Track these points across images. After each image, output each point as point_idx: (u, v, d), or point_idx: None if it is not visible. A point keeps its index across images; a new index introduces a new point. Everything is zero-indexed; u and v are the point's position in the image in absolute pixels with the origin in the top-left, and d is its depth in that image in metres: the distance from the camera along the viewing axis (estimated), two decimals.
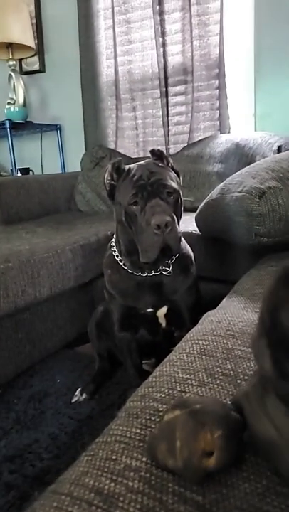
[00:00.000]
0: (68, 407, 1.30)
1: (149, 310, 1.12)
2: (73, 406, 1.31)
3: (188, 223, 1.46)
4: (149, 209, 0.96)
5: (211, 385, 0.45)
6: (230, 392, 0.43)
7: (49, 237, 1.60)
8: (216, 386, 0.45)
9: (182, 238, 1.16)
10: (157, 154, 1.08)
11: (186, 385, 0.45)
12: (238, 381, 0.45)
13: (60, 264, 1.44)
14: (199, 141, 2.29)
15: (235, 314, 0.64)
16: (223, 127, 2.36)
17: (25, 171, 2.94)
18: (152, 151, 1.08)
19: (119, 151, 2.68)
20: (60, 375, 1.51)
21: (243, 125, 2.41)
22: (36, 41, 2.96)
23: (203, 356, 0.51)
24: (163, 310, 1.13)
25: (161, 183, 0.99)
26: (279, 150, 1.95)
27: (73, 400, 1.33)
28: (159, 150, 1.08)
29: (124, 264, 1.12)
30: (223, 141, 2.12)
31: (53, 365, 1.58)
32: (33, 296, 1.34)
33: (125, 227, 1.04)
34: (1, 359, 1.37)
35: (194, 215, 1.39)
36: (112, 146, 2.74)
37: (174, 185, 1.02)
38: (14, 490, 0.97)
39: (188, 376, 0.47)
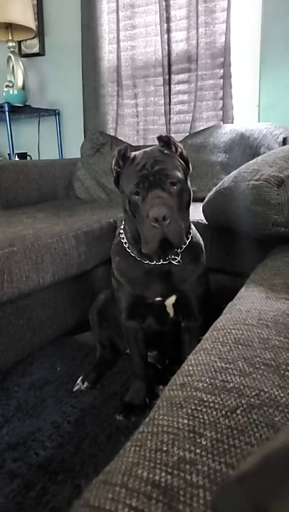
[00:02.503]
0: (70, 395, 1.28)
1: (158, 299, 1.10)
2: (75, 395, 1.29)
3: (192, 213, 1.44)
4: (149, 200, 0.93)
5: (253, 375, 0.43)
6: (275, 383, 0.41)
7: (51, 222, 1.57)
8: (259, 376, 0.43)
9: (192, 226, 1.15)
10: (164, 141, 1.03)
11: (227, 375, 0.44)
12: (282, 372, 0.43)
13: (63, 250, 1.40)
14: (203, 130, 2.26)
15: (263, 304, 0.62)
16: (226, 117, 2.34)
17: (23, 155, 2.88)
18: (160, 138, 1.04)
19: (120, 138, 2.64)
20: (60, 363, 1.48)
21: (247, 116, 2.38)
22: (37, 23, 2.88)
23: (239, 346, 0.49)
24: (172, 299, 1.11)
25: (164, 172, 0.96)
26: (284, 142, 1.94)
27: (75, 389, 1.31)
28: (166, 136, 1.04)
29: (132, 252, 1.10)
30: (227, 131, 2.09)
31: (53, 353, 1.56)
32: (37, 282, 1.30)
33: (130, 215, 1.02)
34: (2, 345, 1.34)
35: (198, 204, 1.37)
36: (111, 133, 2.69)
37: (179, 174, 0.98)
38: (19, 478, 0.95)
39: (227, 365, 0.45)
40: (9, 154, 2.79)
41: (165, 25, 2.42)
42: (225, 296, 1.28)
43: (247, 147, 1.99)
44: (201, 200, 1.40)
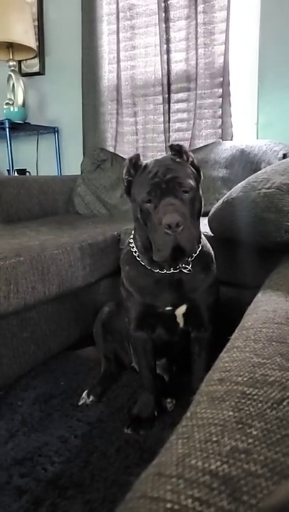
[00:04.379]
0: (75, 409, 1.25)
1: (168, 308, 1.09)
2: (81, 408, 1.25)
3: None
4: (161, 208, 0.94)
5: None
6: None
7: (56, 234, 1.56)
8: None
9: (203, 236, 1.15)
10: (176, 149, 1.04)
11: (266, 369, 0.43)
12: None
13: (69, 261, 1.40)
14: (203, 146, 2.30)
15: (288, 304, 0.62)
16: (225, 135, 2.38)
17: (22, 172, 2.89)
18: (171, 146, 1.05)
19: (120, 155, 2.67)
20: (64, 377, 1.45)
21: (245, 134, 2.43)
22: (37, 43, 2.94)
23: (273, 343, 0.49)
24: (182, 309, 1.10)
25: (177, 180, 0.96)
26: (284, 157, 1.97)
27: (80, 403, 1.28)
28: (178, 145, 1.05)
29: (142, 261, 1.09)
30: (227, 148, 2.13)
31: (56, 367, 1.52)
32: (42, 294, 1.29)
33: (141, 224, 1.02)
34: (6, 358, 1.31)
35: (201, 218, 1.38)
36: (111, 150, 2.72)
37: (191, 182, 0.99)
38: (27, 494, 0.91)
39: (264, 361, 0.45)
40: (8, 171, 2.80)
41: (165, 46, 2.49)
42: (231, 308, 1.27)
43: (248, 163, 2.02)
44: (204, 214, 1.40)
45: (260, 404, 0.37)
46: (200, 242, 1.10)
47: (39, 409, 1.25)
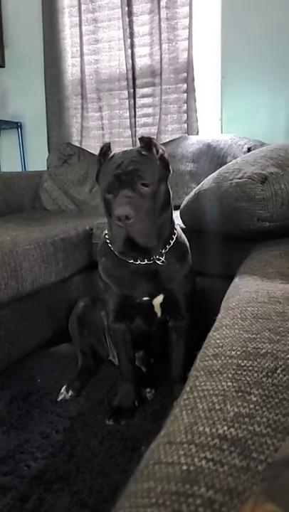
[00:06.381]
0: (55, 405, 1.24)
1: (145, 298, 1.10)
2: (60, 404, 1.24)
3: None
4: (117, 199, 0.95)
5: (282, 341, 0.45)
6: None
7: (26, 230, 1.53)
8: (288, 342, 0.44)
9: (178, 227, 1.17)
10: (146, 142, 1.04)
11: (257, 343, 0.45)
12: None
13: (42, 257, 1.38)
14: (170, 141, 2.33)
15: (268, 285, 0.65)
16: (190, 130, 2.42)
17: None
18: (141, 138, 1.04)
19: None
20: (41, 374, 1.43)
21: (210, 128, 2.48)
22: None
23: (260, 319, 0.51)
24: (159, 298, 1.11)
25: (137, 173, 0.96)
26: (249, 151, 2.03)
27: (59, 398, 1.27)
28: (148, 137, 1.04)
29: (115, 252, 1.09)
30: (194, 142, 2.17)
31: (31, 365, 1.50)
32: (16, 290, 1.27)
33: (107, 214, 1.03)
34: None
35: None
36: (76, 145, 2.69)
37: (153, 176, 0.98)
38: (12, 492, 0.89)
39: (254, 336, 0.47)
40: None
41: (128, 40, 2.48)
42: (204, 298, 1.30)
43: (214, 157, 2.07)
44: (175, 208, 1.42)
45: (255, 374, 0.39)
46: (174, 234, 1.12)
47: (17, 408, 1.23)
